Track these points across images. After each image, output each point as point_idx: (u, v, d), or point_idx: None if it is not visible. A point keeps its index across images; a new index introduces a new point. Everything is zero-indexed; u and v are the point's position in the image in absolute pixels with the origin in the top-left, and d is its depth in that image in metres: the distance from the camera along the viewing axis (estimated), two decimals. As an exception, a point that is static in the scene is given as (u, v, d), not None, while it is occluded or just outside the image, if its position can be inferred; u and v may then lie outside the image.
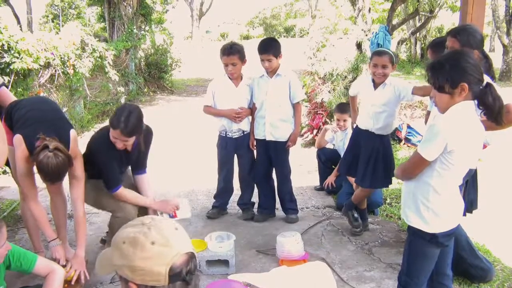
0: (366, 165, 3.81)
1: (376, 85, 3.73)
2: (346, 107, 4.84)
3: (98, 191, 3.39)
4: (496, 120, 2.29)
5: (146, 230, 1.31)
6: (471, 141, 2.32)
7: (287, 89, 4.17)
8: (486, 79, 2.39)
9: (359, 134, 3.91)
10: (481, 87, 2.29)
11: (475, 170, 3.20)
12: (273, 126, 4.20)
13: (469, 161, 2.42)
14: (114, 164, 3.31)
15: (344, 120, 4.92)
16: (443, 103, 2.33)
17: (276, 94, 4.16)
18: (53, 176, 2.86)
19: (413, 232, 2.53)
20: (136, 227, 1.33)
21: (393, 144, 5.91)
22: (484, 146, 2.96)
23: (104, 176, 3.33)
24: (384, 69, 3.65)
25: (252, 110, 4.31)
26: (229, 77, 4.24)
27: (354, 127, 4.11)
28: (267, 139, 4.24)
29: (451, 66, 2.27)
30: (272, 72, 4.16)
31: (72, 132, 3.11)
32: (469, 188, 3.20)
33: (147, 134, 3.49)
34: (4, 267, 2.64)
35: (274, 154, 4.31)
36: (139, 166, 3.55)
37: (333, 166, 5.18)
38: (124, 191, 3.34)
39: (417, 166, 2.41)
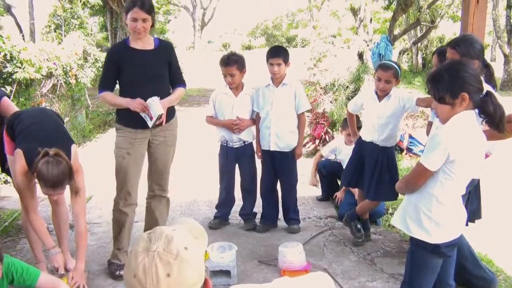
0: (371, 177, 3.80)
1: (380, 97, 3.74)
2: None
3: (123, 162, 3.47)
4: (498, 128, 2.30)
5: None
6: (473, 151, 2.33)
7: (293, 99, 4.17)
8: (487, 87, 2.40)
9: (362, 146, 3.89)
10: (481, 96, 2.30)
11: (478, 180, 3.19)
12: (278, 137, 4.19)
13: (472, 170, 2.42)
14: (110, 69, 3.44)
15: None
16: (444, 114, 2.34)
17: (282, 104, 4.15)
18: (54, 179, 2.75)
19: (416, 243, 2.52)
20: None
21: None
22: (486, 156, 2.95)
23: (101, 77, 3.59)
24: (386, 84, 3.65)
25: (255, 120, 4.31)
26: (230, 88, 4.25)
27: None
28: (271, 149, 4.24)
29: (451, 77, 2.28)
30: (278, 80, 4.16)
31: (73, 147, 3.09)
32: (472, 198, 3.19)
33: (170, 47, 3.64)
34: (7, 282, 2.64)
35: (280, 164, 4.30)
36: (174, 82, 3.60)
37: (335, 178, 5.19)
38: (106, 96, 3.44)
39: (420, 177, 2.40)
